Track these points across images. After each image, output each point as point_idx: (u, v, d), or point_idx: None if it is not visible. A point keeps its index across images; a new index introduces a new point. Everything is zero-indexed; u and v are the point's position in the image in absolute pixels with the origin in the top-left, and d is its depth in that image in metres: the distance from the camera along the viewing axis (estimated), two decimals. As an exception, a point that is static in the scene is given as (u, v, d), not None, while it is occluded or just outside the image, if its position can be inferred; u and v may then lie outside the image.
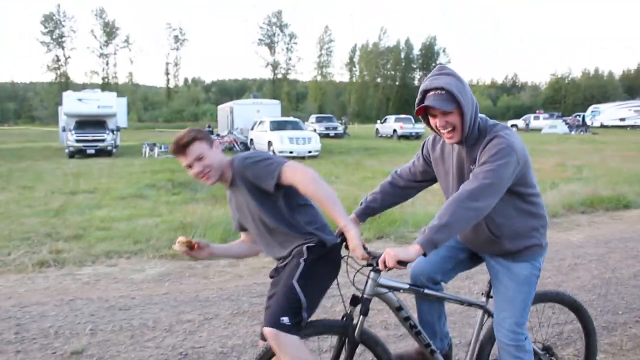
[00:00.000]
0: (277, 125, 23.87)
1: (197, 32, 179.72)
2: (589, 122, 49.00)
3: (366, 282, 2.50)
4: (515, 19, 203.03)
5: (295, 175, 2.41)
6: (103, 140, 24.34)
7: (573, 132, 42.38)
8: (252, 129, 26.31)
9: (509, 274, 2.60)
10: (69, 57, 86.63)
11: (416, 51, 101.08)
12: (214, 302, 4.86)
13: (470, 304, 2.90)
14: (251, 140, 25.93)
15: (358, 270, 2.52)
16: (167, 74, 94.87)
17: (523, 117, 54.36)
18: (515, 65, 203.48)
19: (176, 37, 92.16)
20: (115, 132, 25.79)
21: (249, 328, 4.21)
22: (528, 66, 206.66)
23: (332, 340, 2.75)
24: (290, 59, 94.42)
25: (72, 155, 23.64)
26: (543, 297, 3.09)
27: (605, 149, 23.95)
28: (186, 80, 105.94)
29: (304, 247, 2.53)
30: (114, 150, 24.87)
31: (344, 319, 2.52)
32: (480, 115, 2.52)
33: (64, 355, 3.75)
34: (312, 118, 42.96)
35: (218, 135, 29.24)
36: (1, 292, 5.19)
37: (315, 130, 31.50)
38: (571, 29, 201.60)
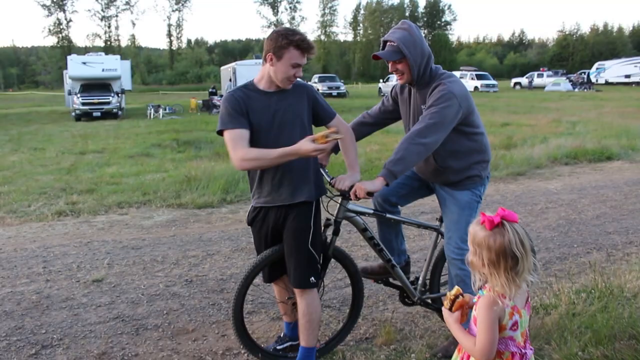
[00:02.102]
0: (280, 85, 24.18)
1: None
2: (593, 80, 48.83)
3: (338, 208, 3.04)
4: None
5: (343, 124, 2.96)
6: (108, 103, 24.75)
7: (576, 90, 42.39)
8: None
9: (453, 200, 3.14)
10: (70, 20, 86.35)
11: (421, 9, 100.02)
12: (216, 241, 5.46)
13: (425, 227, 3.46)
14: (254, 99, 26.30)
15: (331, 199, 3.06)
16: (170, 36, 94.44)
17: (527, 75, 54.28)
18: (522, 22, 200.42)
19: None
20: (120, 95, 26.20)
21: (246, 261, 4.80)
22: (535, 23, 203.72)
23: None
24: (293, 18, 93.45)
25: (78, 118, 24.10)
26: None
27: (605, 106, 24.22)
28: (189, 41, 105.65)
29: (312, 207, 2.86)
30: (120, 112, 25.31)
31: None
32: (436, 65, 3.05)
33: (87, 283, 4.37)
34: (315, 78, 43.16)
35: (222, 96, 29.58)
36: (26, 237, 5.81)
37: (318, 90, 31.78)
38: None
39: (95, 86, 25.73)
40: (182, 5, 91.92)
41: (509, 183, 8.23)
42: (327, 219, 3.04)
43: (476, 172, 3.12)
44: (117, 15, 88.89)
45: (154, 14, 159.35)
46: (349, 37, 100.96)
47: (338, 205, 3.04)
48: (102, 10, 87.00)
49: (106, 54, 34.38)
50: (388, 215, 3.26)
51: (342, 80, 45.54)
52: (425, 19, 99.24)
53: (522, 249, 1.78)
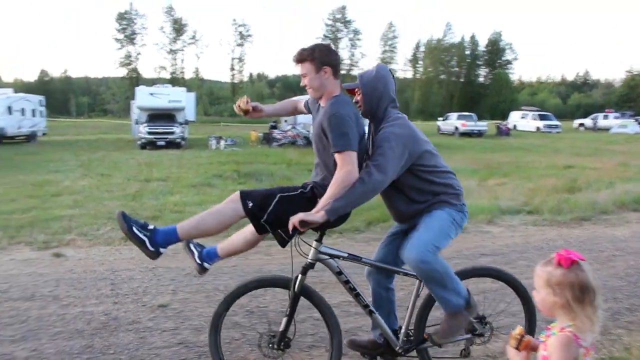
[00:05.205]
0: (337, 121, 24.36)
1: (262, 28, 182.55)
2: (665, 122, 46.98)
3: (311, 250, 3.15)
4: (588, 12, 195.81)
5: (340, 168, 2.91)
6: (172, 133, 25.63)
7: (646, 132, 40.84)
8: (315, 124, 27.03)
9: (426, 217, 3.11)
10: (139, 53, 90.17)
11: (482, 47, 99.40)
12: (276, 273, 5.51)
13: (405, 274, 3.29)
14: (314, 134, 26.62)
15: (304, 241, 3.14)
16: (232, 69, 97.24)
17: (591, 116, 52.68)
18: (587, 61, 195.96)
19: (241, 33, 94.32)
20: (184, 125, 27.06)
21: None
22: (601, 63, 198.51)
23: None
24: (353, 55, 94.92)
25: (143, 146, 25.05)
26: (480, 272, 3.52)
27: (676, 150, 23.29)
28: (251, 75, 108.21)
29: (312, 186, 3.14)
30: (183, 142, 26.12)
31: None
32: (396, 110, 3.19)
33: (152, 307, 4.52)
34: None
35: (282, 130, 30.14)
36: (95, 259, 6.06)
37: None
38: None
39: (160, 116, 26.73)
40: (246, 40, 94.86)
41: (572, 228, 8.00)
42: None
43: (442, 199, 3.11)
44: (183, 49, 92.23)
45: (217, 47, 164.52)
46: (408, 74, 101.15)
47: (312, 247, 3.13)
48: (169, 43, 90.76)
49: (172, 85, 35.73)
50: (364, 260, 3.25)
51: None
52: (485, 58, 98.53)
53: (597, 282, 1.89)
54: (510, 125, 42.85)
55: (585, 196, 10.18)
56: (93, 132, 40.62)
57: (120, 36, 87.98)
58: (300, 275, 3.14)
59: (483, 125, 38.07)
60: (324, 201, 2.92)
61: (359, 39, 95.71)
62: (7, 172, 14.86)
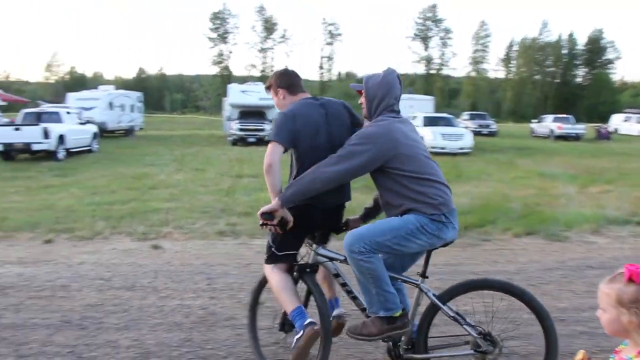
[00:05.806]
0: (430, 121, 23.80)
1: (351, 26, 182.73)
2: None
3: (310, 254, 3.26)
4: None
5: (266, 153, 3.07)
6: (263, 130, 26.03)
7: None
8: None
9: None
10: (231, 51, 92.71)
11: (580, 46, 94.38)
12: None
13: (404, 281, 3.18)
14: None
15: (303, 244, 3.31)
16: (321, 67, 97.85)
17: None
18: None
19: (330, 32, 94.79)
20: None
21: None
22: None
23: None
24: (444, 54, 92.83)
25: (234, 143, 25.66)
26: (494, 285, 3.19)
27: None
28: (339, 74, 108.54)
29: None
30: (272, 139, 26.46)
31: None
32: (390, 114, 3.10)
33: (248, 305, 4.51)
34: (465, 115, 42.01)
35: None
36: (191, 252, 6.21)
37: (467, 128, 30.97)
38: None
39: (251, 114, 27.20)
40: (335, 39, 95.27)
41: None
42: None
43: (413, 206, 2.93)
44: (272, 48, 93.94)
45: (306, 46, 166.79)
46: (500, 74, 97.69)
47: (310, 249, 3.17)
48: (260, 42, 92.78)
49: (263, 83, 36.44)
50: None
51: (494, 119, 43.75)
52: (584, 57, 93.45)
53: None
54: (611, 129, 40.32)
55: None
56: (186, 128, 42.26)
57: (214, 35, 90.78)
58: (295, 273, 3.30)
59: (581, 128, 36.02)
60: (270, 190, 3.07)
61: (449, 38, 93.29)
62: (108, 165, 15.69)
